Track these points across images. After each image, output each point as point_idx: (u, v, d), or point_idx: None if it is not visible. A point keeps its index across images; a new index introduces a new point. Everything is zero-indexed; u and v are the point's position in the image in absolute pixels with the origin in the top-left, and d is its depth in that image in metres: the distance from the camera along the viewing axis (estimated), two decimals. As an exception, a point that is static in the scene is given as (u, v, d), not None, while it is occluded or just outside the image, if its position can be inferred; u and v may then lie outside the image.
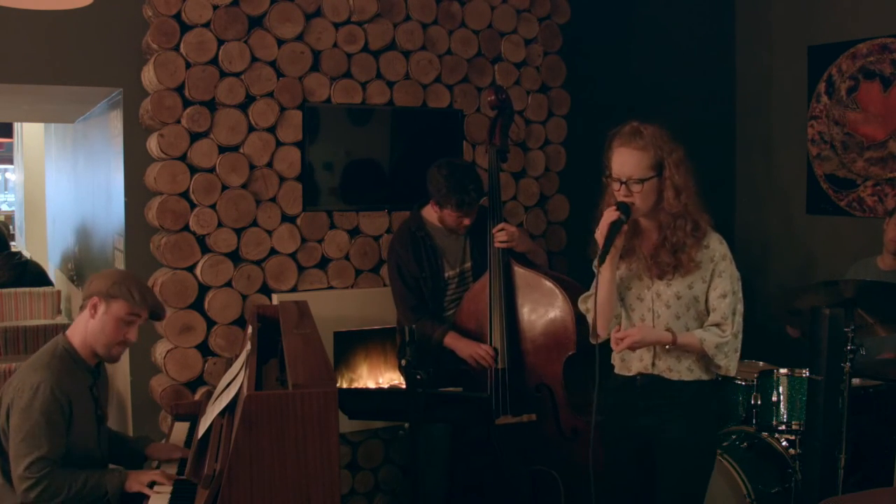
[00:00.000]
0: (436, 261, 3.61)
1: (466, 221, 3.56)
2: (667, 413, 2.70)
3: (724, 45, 5.40)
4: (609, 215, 2.60)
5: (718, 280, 2.64)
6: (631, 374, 2.76)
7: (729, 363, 2.65)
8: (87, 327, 2.75)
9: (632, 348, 2.68)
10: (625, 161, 2.61)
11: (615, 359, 2.80)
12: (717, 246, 2.67)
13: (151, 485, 2.64)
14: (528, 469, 3.43)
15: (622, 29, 4.91)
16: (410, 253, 3.58)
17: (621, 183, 2.61)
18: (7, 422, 2.63)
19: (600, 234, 2.61)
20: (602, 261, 2.58)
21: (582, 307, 2.84)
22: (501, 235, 3.50)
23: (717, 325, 2.65)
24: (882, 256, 4.07)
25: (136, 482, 2.65)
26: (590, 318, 2.77)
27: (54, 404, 2.60)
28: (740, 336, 2.68)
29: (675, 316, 2.67)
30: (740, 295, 2.68)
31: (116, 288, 2.75)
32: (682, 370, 2.69)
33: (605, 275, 2.65)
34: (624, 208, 2.59)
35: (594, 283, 2.70)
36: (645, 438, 2.76)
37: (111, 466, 2.87)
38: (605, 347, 2.77)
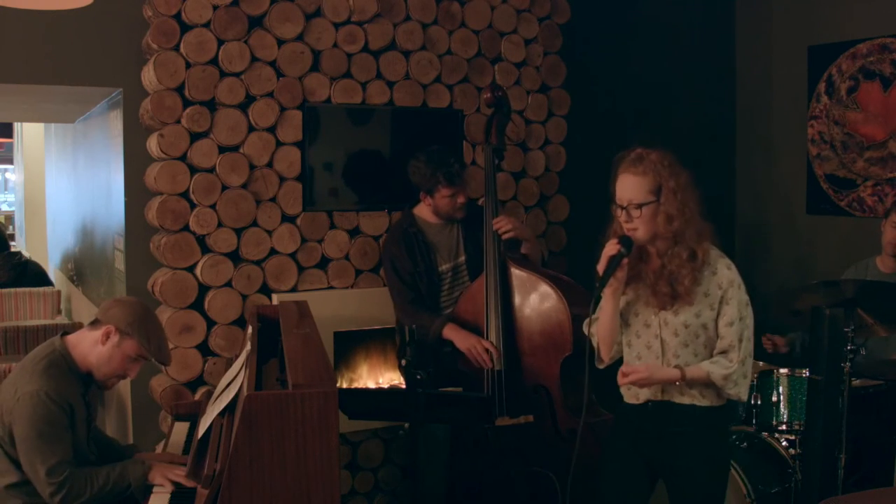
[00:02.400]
0: (429, 256, 3.63)
1: (461, 199, 3.60)
2: (679, 439, 2.68)
3: (724, 45, 5.40)
4: (609, 248, 2.60)
5: (726, 307, 2.62)
6: (640, 402, 2.74)
7: (739, 390, 2.62)
8: (93, 349, 2.78)
9: (640, 386, 2.67)
10: (625, 186, 2.62)
11: (622, 387, 2.78)
12: (724, 272, 2.63)
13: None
14: (525, 470, 3.43)
15: (622, 29, 4.91)
16: (404, 249, 3.61)
17: (622, 208, 2.62)
18: (6, 430, 2.64)
19: (601, 266, 2.61)
20: (599, 293, 2.59)
21: (585, 330, 2.81)
22: (505, 225, 3.53)
23: (724, 352, 2.63)
24: (881, 258, 4.06)
25: (160, 475, 2.67)
26: (594, 343, 2.78)
27: (57, 410, 2.62)
28: (749, 361, 2.64)
29: (683, 344, 2.64)
30: (748, 321, 2.65)
31: (135, 327, 2.78)
32: (695, 395, 2.67)
33: (607, 307, 2.67)
34: (626, 242, 2.60)
35: (598, 308, 2.70)
36: (653, 464, 2.76)
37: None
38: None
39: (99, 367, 2.79)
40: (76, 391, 2.75)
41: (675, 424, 2.69)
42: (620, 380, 2.65)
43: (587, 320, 2.77)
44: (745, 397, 2.66)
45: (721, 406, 2.70)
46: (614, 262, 2.58)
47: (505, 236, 3.55)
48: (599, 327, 2.73)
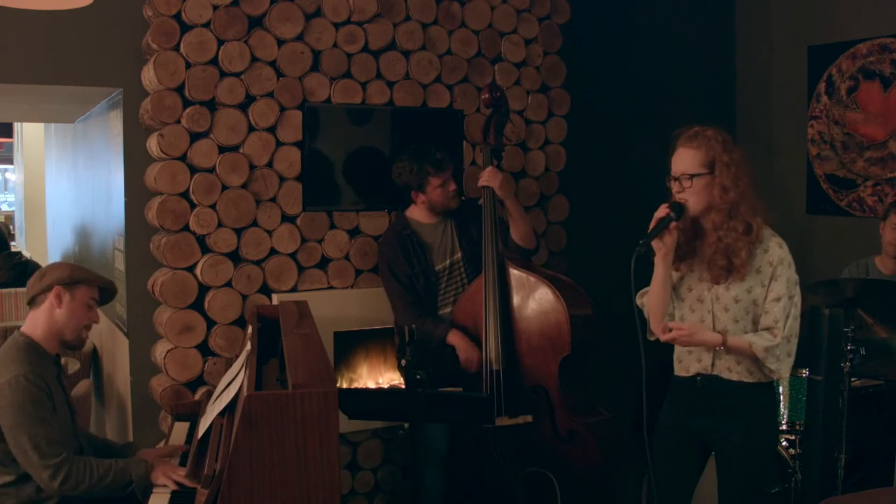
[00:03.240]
0: (424, 256, 3.65)
1: (452, 186, 3.66)
2: (727, 415, 2.74)
3: (724, 45, 5.40)
4: (659, 211, 2.68)
5: (774, 283, 2.68)
6: (689, 374, 2.81)
7: (780, 366, 2.67)
8: (52, 318, 2.82)
9: (680, 344, 2.74)
10: (680, 159, 2.72)
11: (675, 359, 2.86)
12: (776, 250, 2.71)
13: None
14: (523, 471, 3.43)
15: (622, 29, 4.91)
16: (399, 252, 3.62)
17: (675, 179, 2.71)
18: None
19: (650, 228, 2.69)
20: (641, 250, 2.63)
21: (639, 301, 2.88)
22: (484, 175, 3.59)
23: (769, 328, 2.67)
24: (881, 258, 4.07)
25: (163, 475, 2.66)
26: (645, 314, 2.85)
27: (37, 391, 2.63)
28: (794, 340, 2.69)
29: (733, 319, 2.71)
30: (797, 300, 2.70)
31: (75, 275, 2.86)
32: (742, 371, 2.72)
33: (658, 273, 2.75)
34: (677, 208, 2.67)
35: (649, 283, 2.79)
36: (702, 439, 2.81)
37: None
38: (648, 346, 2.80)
39: (67, 327, 2.84)
40: (51, 373, 2.78)
41: (723, 399, 2.74)
42: (662, 335, 2.71)
43: (641, 291, 2.86)
44: (785, 375, 2.71)
45: (769, 383, 2.77)
46: (662, 223, 2.66)
47: (479, 183, 3.61)
48: (650, 297, 2.80)
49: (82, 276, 2.87)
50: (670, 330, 2.69)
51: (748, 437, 2.73)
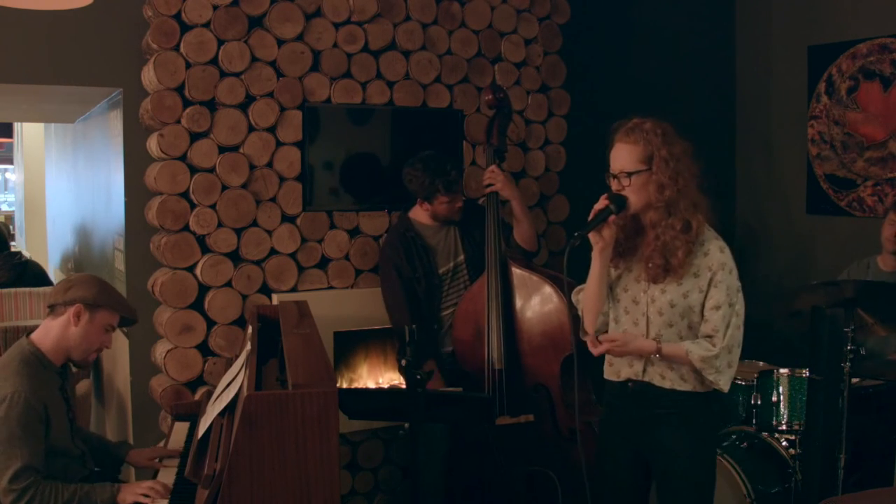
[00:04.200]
0: (428, 259, 3.64)
1: (459, 204, 3.64)
2: (661, 424, 2.63)
3: (724, 45, 5.40)
4: (598, 204, 2.56)
5: (714, 290, 2.54)
6: (620, 379, 2.70)
7: (719, 378, 2.53)
8: (65, 333, 2.75)
9: (614, 355, 2.65)
10: (617, 155, 2.61)
11: (605, 362, 2.75)
12: (716, 254, 2.56)
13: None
14: (525, 470, 3.43)
15: (622, 29, 4.91)
16: (402, 254, 3.62)
17: (613, 177, 2.60)
18: None
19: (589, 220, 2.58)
20: (575, 242, 2.51)
21: (574, 298, 2.79)
22: (492, 177, 3.58)
23: (708, 336, 2.55)
24: (882, 257, 4.06)
25: (130, 493, 2.61)
26: (579, 311, 2.75)
27: (31, 412, 2.56)
28: (736, 351, 2.56)
29: (667, 324, 2.58)
30: (738, 308, 2.56)
31: (102, 298, 2.77)
32: (675, 378, 2.60)
33: (595, 268, 2.63)
34: (618, 200, 2.55)
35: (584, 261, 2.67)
36: (639, 446, 2.70)
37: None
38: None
39: (78, 347, 2.76)
40: (53, 386, 2.73)
41: (656, 407, 2.63)
42: (593, 349, 2.62)
43: (577, 288, 2.75)
44: (725, 388, 2.57)
45: (704, 393, 2.61)
46: (600, 215, 2.54)
47: (487, 190, 3.59)
48: (585, 293, 2.69)
49: (107, 301, 2.78)
50: (599, 344, 2.59)
51: (683, 447, 2.60)
